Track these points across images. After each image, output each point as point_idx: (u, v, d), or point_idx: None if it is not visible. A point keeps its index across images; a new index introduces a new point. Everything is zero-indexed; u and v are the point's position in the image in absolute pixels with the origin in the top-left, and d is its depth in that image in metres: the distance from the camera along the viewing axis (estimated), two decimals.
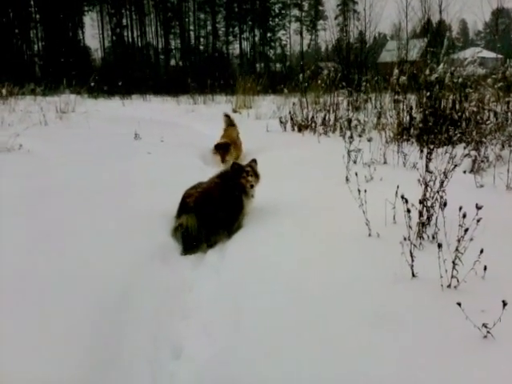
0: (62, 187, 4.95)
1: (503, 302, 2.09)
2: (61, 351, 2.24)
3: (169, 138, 9.20)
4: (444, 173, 3.34)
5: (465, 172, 4.40)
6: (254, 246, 3.86)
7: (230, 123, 8.77)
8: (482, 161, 5.48)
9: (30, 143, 7.12)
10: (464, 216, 2.63)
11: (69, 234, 3.59)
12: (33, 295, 2.66)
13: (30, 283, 2.77)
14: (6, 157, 6.48)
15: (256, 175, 4.72)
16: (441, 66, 7.90)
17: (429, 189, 3.38)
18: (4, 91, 14.44)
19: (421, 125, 7.44)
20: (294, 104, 10.65)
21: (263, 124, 10.76)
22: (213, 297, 3.24)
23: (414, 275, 2.84)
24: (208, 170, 6.67)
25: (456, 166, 3.44)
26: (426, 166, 3.41)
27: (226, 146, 7.56)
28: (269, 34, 53.71)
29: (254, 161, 4.89)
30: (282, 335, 2.51)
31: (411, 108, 8.02)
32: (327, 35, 72.53)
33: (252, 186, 4.60)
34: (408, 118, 7.93)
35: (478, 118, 7.33)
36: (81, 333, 2.43)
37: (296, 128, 10.22)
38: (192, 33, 49.96)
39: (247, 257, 3.66)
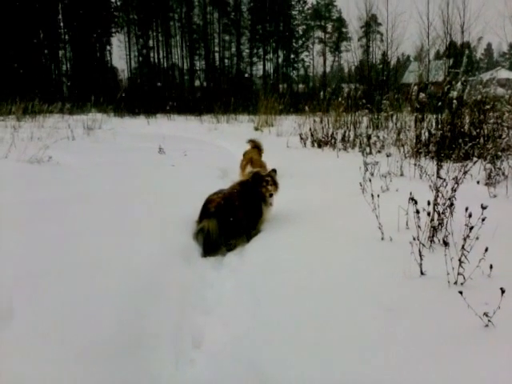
0: (92, 194, 5.20)
1: (501, 289, 2.22)
2: (91, 331, 2.42)
3: (192, 153, 9.47)
4: (455, 179, 3.47)
5: (478, 182, 4.52)
6: (272, 247, 4.03)
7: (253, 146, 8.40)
8: (497, 174, 5.56)
9: (58, 155, 7.42)
10: (470, 216, 2.76)
11: (103, 233, 3.83)
12: (71, 281, 2.87)
13: (70, 271, 2.99)
14: (37, 168, 6.78)
15: (275, 184, 4.92)
16: (459, 83, 8.02)
17: (440, 194, 3.51)
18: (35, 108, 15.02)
19: (439, 139, 7.53)
20: (314, 121, 10.86)
21: (284, 140, 11.00)
22: (232, 294, 3.41)
23: (422, 273, 2.98)
24: (228, 181, 6.89)
25: (466, 172, 3.57)
26: (437, 173, 3.55)
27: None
28: (292, 56, 54.32)
29: (274, 170, 5.09)
30: (297, 325, 2.65)
31: (431, 125, 8.16)
32: (350, 56, 72.95)
33: (271, 195, 4.81)
34: (427, 133, 8.06)
35: (497, 134, 7.41)
36: (108, 318, 2.61)
37: (316, 144, 10.42)
38: (217, 54, 50.82)
39: (266, 257, 3.82)
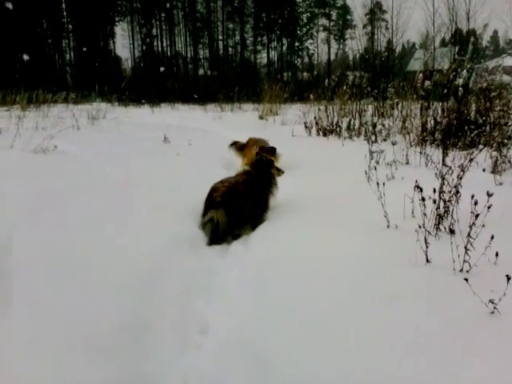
0: (97, 183, 5.22)
1: (507, 276, 2.22)
2: (95, 319, 2.45)
3: (196, 142, 9.46)
4: (460, 166, 3.46)
5: (484, 170, 4.50)
6: (277, 235, 4.04)
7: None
8: (504, 162, 5.54)
9: (63, 145, 7.42)
10: (476, 203, 2.75)
11: (107, 222, 3.85)
12: (74, 270, 2.91)
13: (73, 260, 3.01)
14: (42, 157, 6.79)
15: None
16: (465, 70, 7.96)
17: (446, 182, 3.49)
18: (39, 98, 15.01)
19: (444, 127, 7.49)
20: (319, 109, 10.81)
21: (289, 129, 10.95)
22: (237, 281, 3.42)
23: (428, 261, 2.98)
24: (233, 170, 6.88)
25: (472, 159, 3.55)
26: (443, 160, 3.54)
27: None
28: (296, 44, 53.96)
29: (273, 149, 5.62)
30: (301, 313, 2.66)
31: (437, 113, 8.12)
32: (355, 44, 72.38)
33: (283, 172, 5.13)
34: (433, 122, 8.01)
35: (503, 122, 7.37)
36: (112, 306, 2.64)
37: (321, 133, 10.38)
38: (220, 42, 50.53)
39: (271, 245, 3.83)
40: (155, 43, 48.20)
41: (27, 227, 3.48)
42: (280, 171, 5.12)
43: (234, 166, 7.41)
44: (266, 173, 4.89)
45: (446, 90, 7.90)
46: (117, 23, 48.25)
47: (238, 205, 4.47)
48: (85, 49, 40.17)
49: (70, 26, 44.87)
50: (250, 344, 2.54)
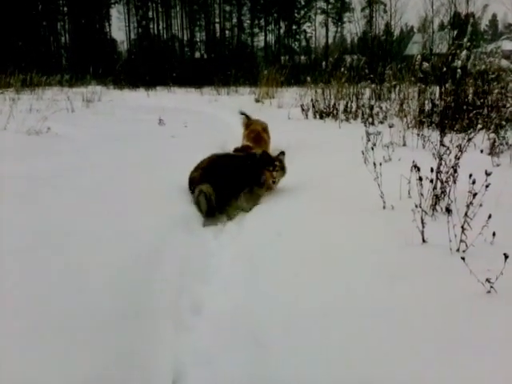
0: (92, 164, 5.17)
1: (504, 254, 2.19)
2: (89, 300, 2.41)
3: (192, 125, 9.41)
4: (458, 146, 3.41)
5: (482, 151, 4.45)
6: (273, 216, 4.01)
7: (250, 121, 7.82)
8: (501, 143, 5.49)
9: (57, 127, 7.36)
10: (473, 182, 2.72)
11: (102, 204, 3.82)
12: (69, 252, 2.87)
13: (67, 242, 2.98)
14: (35, 139, 6.72)
15: (282, 169, 4.69)
16: (464, 52, 7.88)
17: (443, 162, 3.45)
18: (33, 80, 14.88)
19: (442, 109, 7.44)
20: (316, 92, 10.73)
21: (285, 112, 10.89)
22: (232, 262, 3.40)
23: (424, 241, 2.95)
24: (228, 150, 6.85)
25: (470, 139, 3.51)
26: (441, 141, 3.49)
27: (247, 151, 6.76)
28: (294, 27, 53.40)
29: (283, 153, 4.82)
30: (296, 294, 2.64)
31: (434, 95, 8.05)
32: (352, 27, 71.78)
33: (274, 182, 4.62)
34: (430, 104, 7.96)
35: (500, 104, 7.31)
36: (107, 287, 2.60)
37: (318, 115, 10.32)
38: (217, 25, 50.01)
39: (266, 226, 3.81)
40: (151, 26, 47.80)
41: (19, 209, 3.43)
42: (284, 170, 4.74)
43: (229, 148, 7.35)
44: (252, 167, 4.68)
45: (444, 70, 7.82)
46: (112, 5, 47.80)
47: (220, 179, 4.45)
48: (80, 32, 39.76)
49: (65, 9, 44.34)
50: (244, 326, 2.53)
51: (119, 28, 48.96)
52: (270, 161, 4.60)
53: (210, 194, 4.31)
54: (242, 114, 7.91)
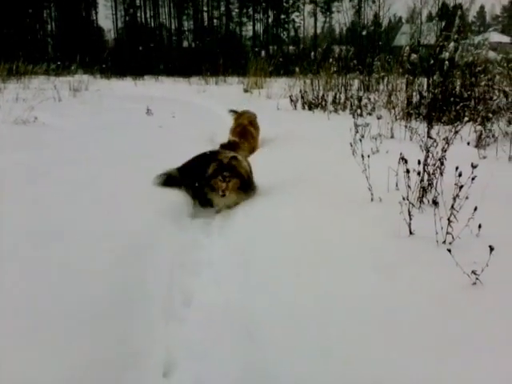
0: (79, 156, 5.15)
1: (490, 246, 2.22)
2: (80, 292, 2.41)
3: (180, 115, 9.37)
4: (445, 139, 3.45)
5: (468, 143, 4.51)
6: (263, 209, 4.02)
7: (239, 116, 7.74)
8: (488, 136, 5.55)
9: (44, 117, 7.31)
10: (460, 175, 2.75)
11: (90, 196, 3.81)
12: (59, 245, 2.88)
13: (56, 235, 2.98)
14: (22, 128, 6.66)
15: (237, 176, 4.16)
16: (451, 44, 7.91)
17: (430, 155, 3.48)
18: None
19: (429, 100, 7.48)
20: (304, 82, 10.73)
21: (274, 103, 10.88)
22: (223, 254, 3.42)
23: (411, 233, 2.98)
24: (216, 143, 6.85)
25: (457, 132, 3.54)
26: (428, 133, 3.52)
27: (233, 146, 6.58)
28: (282, 16, 53.06)
29: (235, 158, 4.26)
30: (286, 286, 2.67)
31: (422, 87, 8.10)
32: (341, 17, 71.66)
33: (223, 195, 4.09)
34: (418, 96, 8.00)
35: (487, 96, 7.37)
36: (97, 279, 2.60)
37: (306, 106, 10.33)
38: (205, 14, 49.62)
39: (256, 220, 3.82)
40: (138, 14, 47.33)
41: (7, 201, 3.42)
42: (232, 181, 4.16)
43: (217, 138, 7.35)
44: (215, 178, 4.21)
45: (432, 62, 7.85)
46: None
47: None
48: (66, 19, 39.23)
49: None
50: (235, 318, 2.55)
51: (106, 16, 48.48)
52: (218, 171, 4.12)
53: (172, 174, 4.45)
54: (232, 111, 7.93)
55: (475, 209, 2.67)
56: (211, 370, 2.25)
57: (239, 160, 4.29)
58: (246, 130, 6.90)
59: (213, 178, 4.16)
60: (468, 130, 5.90)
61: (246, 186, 4.28)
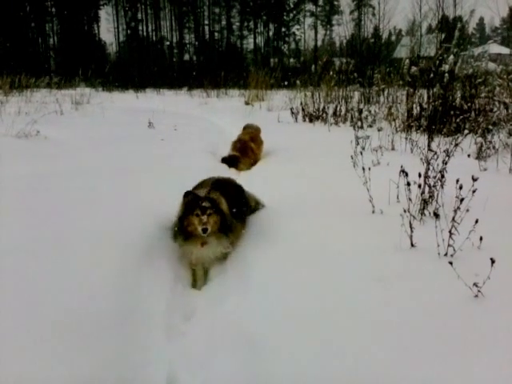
0: (81, 169, 5.16)
1: (491, 259, 2.23)
2: (82, 305, 2.41)
3: (182, 128, 9.41)
4: (446, 151, 3.46)
5: (469, 156, 4.52)
6: (263, 218, 4.01)
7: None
8: (488, 148, 5.56)
9: (46, 130, 7.32)
10: (460, 188, 2.76)
11: (93, 208, 3.80)
12: (62, 255, 2.87)
13: (59, 246, 2.98)
14: (24, 142, 6.68)
15: (217, 212, 3.32)
16: (451, 56, 7.96)
17: (431, 167, 3.50)
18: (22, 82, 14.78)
19: (430, 113, 7.52)
20: (305, 95, 10.78)
21: (275, 115, 10.92)
22: (223, 270, 3.41)
23: (412, 245, 2.99)
24: (217, 156, 6.89)
25: (457, 144, 3.56)
26: (428, 145, 3.54)
27: (233, 160, 6.72)
28: (283, 29, 53.40)
29: (215, 188, 3.57)
30: (287, 298, 2.67)
31: (422, 99, 8.14)
32: (341, 30, 72.12)
33: (205, 230, 3.20)
34: (418, 108, 8.04)
35: (488, 108, 7.40)
36: (99, 291, 2.60)
37: (307, 119, 10.37)
38: (206, 27, 49.95)
39: (259, 230, 3.81)
40: (140, 28, 47.67)
41: (10, 212, 3.43)
42: (211, 215, 3.30)
43: (219, 151, 7.37)
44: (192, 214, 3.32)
45: (432, 75, 7.90)
46: (101, 7, 47.63)
47: None
48: (69, 33, 39.55)
49: (54, 10, 44.07)
50: (235, 331, 2.54)
51: (108, 30, 48.82)
52: (194, 204, 3.29)
53: None
54: (224, 160, 6.89)
55: (476, 221, 2.68)
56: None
57: (219, 196, 3.46)
58: (246, 145, 6.93)
59: (186, 217, 3.31)
60: (468, 142, 5.93)
61: (227, 228, 3.42)
